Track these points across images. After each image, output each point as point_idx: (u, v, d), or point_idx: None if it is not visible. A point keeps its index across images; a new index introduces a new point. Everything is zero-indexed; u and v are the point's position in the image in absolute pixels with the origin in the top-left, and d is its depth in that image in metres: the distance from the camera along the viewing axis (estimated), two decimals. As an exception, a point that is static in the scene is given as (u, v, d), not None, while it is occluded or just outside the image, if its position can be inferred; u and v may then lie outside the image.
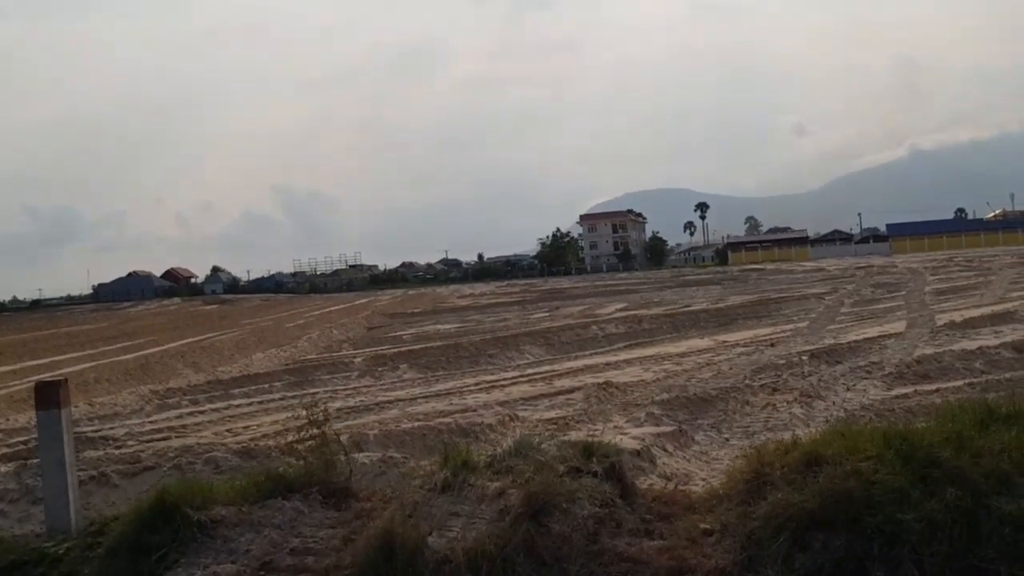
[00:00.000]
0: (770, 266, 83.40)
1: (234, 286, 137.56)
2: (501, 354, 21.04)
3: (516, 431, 10.19)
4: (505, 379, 16.73)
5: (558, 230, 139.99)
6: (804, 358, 15.67)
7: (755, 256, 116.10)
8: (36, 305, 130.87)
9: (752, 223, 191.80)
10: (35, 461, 7.56)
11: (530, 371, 17.81)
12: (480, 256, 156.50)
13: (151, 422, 14.16)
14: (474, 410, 12.71)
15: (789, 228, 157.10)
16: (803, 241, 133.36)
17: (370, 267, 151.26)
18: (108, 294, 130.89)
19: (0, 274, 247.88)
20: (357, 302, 71.36)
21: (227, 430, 12.94)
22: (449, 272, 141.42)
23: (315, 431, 6.06)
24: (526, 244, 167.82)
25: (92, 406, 15.83)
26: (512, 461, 5.46)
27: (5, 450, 12.14)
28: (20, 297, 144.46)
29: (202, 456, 8.39)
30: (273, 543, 5.10)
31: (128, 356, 29.26)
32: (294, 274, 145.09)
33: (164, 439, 12.11)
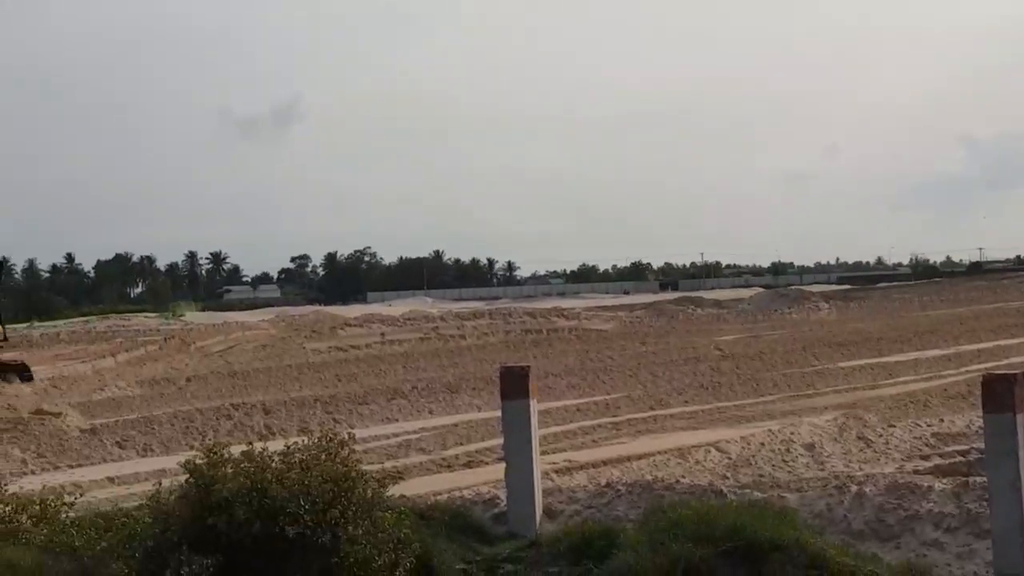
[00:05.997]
0: None
1: None
2: None
3: None
4: None
5: None
6: None
7: None
8: (975, 268, 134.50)
9: None
10: (980, 479, 7.91)
11: None
12: None
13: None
14: None
15: None
16: None
17: None
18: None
19: (930, 228, 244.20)
20: None
21: None
22: None
23: None
24: None
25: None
26: None
27: (938, 460, 13.02)
28: (955, 258, 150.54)
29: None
30: None
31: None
32: None
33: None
